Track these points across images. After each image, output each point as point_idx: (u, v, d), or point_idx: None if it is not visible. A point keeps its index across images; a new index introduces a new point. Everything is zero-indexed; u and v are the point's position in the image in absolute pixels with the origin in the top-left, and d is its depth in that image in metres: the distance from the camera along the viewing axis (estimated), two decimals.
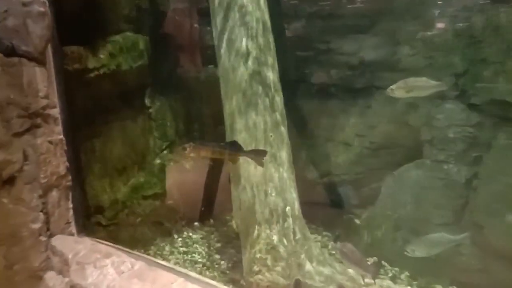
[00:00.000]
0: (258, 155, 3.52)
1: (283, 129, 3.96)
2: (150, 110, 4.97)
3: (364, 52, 4.60)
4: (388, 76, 4.45)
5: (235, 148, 3.43)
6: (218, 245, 4.96)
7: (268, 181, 3.79)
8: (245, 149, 3.57)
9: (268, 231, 3.66)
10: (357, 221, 4.67)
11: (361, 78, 4.71)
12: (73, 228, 3.77)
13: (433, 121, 4.13)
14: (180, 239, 5.08)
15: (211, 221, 5.48)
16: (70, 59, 4.08)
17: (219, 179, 5.49)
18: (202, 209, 5.48)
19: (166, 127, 5.08)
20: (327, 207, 5.11)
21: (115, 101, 4.69)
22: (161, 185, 5.10)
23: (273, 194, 3.75)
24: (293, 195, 3.81)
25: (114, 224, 4.62)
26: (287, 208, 3.74)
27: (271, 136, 3.86)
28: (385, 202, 4.52)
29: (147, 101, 4.95)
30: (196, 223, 5.40)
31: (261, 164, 3.55)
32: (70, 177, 3.65)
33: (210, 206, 5.54)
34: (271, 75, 3.98)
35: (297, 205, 3.80)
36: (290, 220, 3.72)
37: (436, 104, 4.13)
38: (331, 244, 4.84)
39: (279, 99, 3.98)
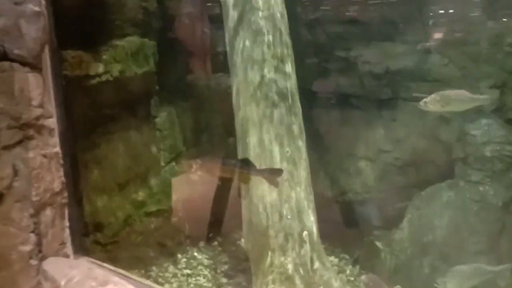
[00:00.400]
0: (272, 174, 3.16)
1: (301, 144, 3.58)
2: (156, 120, 4.62)
3: (389, 60, 4.21)
4: (416, 87, 4.06)
5: (247, 166, 3.07)
6: (226, 267, 4.58)
7: (284, 202, 3.41)
8: (258, 166, 3.20)
9: (282, 259, 3.27)
10: (379, 244, 4.26)
11: (386, 88, 4.31)
12: (68, 249, 3.45)
13: (467, 137, 3.73)
14: (184, 259, 4.70)
15: (219, 240, 5.11)
16: (69, 65, 3.77)
17: (229, 194, 5.13)
18: (209, 227, 5.10)
19: (173, 138, 4.72)
20: (346, 227, 4.71)
21: (118, 110, 4.36)
22: (166, 201, 4.73)
23: (289, 217, 3.37)
24: (311, 218, 3.43)
25: (114, 243, 4.27)
26: (304, 233, 3.35)
27: (287, 151, 3.49)
28: (411, 224, 4.11)
29: (152, 110, 4.61)
30: (201, 243, 5.02)
31: (276, 185, 3.18)
32: (66, 194, 3.33)
33: (218, 224, 5.17)
34: (289, 84, 3.62)
35: (315, 229, 3.41)
36: (307, 246, 3.32)
37: (470, 119, 3.73)
38: (349, 269, 4.44)
39: (297, 111, 3.61)
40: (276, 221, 3.38)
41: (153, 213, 4.60)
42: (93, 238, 4.18)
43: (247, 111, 3.64)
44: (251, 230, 3.53)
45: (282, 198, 3.40)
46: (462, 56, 3.84)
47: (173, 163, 4.73)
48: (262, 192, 3.46)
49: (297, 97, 3.66)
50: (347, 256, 4.62)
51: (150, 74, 4.42)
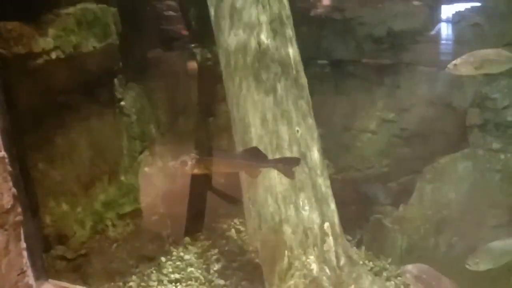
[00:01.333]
0: (288, 164, 2.61)
1: (311, 121, 3.06)
2: (122, 103, 3.85)
3: (392, 21, 3.73)
4: (422, 49, 3.63)
5: (257, 157, 2.50)
6: (219, 265, 4.02)
7: (299, 191, 2.89)
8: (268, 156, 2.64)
9: (303, 258, 2.77)
10: (387, 223, 3.88)
11: (387, 52, 3.85)
12: (30, 278, 2.71)
13: (485, 101, 3.38)
14: (169, 262, 4.08)
15: (205, 233, 4.53)
16: (6, 40, 2.93)
17: (210, 182, 4.55)
18: (192, 220, 4.51)
19: (144, 123, 3.98)
20: (348, 205, 4.28)
21: (75, 95, 3.54)
22: (142, 198, 4.03)
23: (306, 208, 2.86)
24: (331, 206, 2.95)
25: (83, 256, 3.56)
26: (326, 225, 2.87)
27: (297, 131, 2.94)
28: (422, 200, 3.76)
29: (117, 92, 3.83)
30: (186, 239, 4.42)
31: (292, 176, 2.64)
32: (19, 209, 2.56)
33: (201, 216, 4.58)
34: (291, 52, 3.03)
35: (337, 219, 2.94)
36: (330, 240, 2.85)
37: (488, 81, 3.37)
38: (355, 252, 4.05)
39: (303, 82, 3.06)
40: (291, 214, 2.86)
41: (127, 214, 3.90)
42: (57, 253, 3.44)
43: (243, 86, 3.03)
44: (259, 227, 2.98)
45: (296, 186, 2.87)
46: (475, 12, 3.44)
47: (147, 153, 4.02)
48: (270, 181, 2.91)
49: (301, 67, 3.11)
50: (349, 237, 4.21)
51: (112, 49, 3.61)
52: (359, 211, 4.18)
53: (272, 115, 2.94)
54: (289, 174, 2.61)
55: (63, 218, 3.46)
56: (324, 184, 2.96)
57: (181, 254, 4.19)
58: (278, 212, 2.89)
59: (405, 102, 3.85)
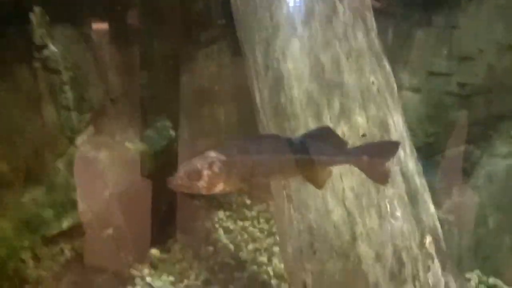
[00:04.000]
0: (380, 155, 1.39)
1: (388, 68, 1.84)
2: (46, 53, 2.32)
3: None
4: None
5: (330, 145, 1.30)
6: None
7: (381, 188, 1.69)
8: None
9: None
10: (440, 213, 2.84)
11: None
12: None
13: None
14: None
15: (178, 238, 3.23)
16: None
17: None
18: (158, 220, 3.14)
19: (82, 84, 2.46)
20: None
21: None
22: (83, 204, 2.57)
23: (398, 214, 1.68)
24: (430, 209, 1.79)
25: None
26: (428, 241, 1.71)
27: (372, 82, 1.72)
28: (491, 181, 2.76)
29: (36, 39, 2.31)
30: (153, 251, 3.08)
31: (384, 178, 1.44)
32: None
33: (170, 211, 3.23)
34: None
35: (439, 229, 1.79)
36: (436, 264, 1.70)
37: None
38: None
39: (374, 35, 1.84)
40: (372, 226, 1.67)
41: (60, 234, 2.43)
42: None
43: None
44: (310, 248, 1.76)
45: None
46: None
47: (89, 131, 2.55)
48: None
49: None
50: None
51: None
52: None
53: (330, 56, 1.68)
54: (381, 175, 1.41)
55: None
56: (416, 171, 1.79)
57: (148, 280, 2.84)
58: (348, 222, 1.69)
59: (466, 47, 2.76)
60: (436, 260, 1.71)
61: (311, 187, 1.45)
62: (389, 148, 1.47)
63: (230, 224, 3.36)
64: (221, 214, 3.44)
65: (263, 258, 2.97)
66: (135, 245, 2.96)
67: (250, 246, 3.10)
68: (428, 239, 1.72)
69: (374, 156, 1.36)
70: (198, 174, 1.18)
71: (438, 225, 1.79)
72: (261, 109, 1.89)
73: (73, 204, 2.51)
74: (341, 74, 1.70)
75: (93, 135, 2.59)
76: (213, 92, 3.02)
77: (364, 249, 1.67)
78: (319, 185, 1.39)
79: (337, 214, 1.70)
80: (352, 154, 1.37)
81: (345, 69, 1.70)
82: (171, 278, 2.89)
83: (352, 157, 1.37)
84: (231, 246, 3.15)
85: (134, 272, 2.86)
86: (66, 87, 2.42)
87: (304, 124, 1.72)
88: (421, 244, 1.70)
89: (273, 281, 2.79)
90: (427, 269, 1.69)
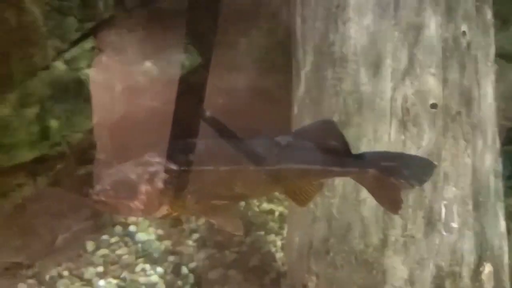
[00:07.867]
0: (402, 173, 0.93)
1: (493, 47, 1.28)
2: None
3: None
4: None
5: (322, 153, 0.96)
6: None
7: (444, 178, 1.20)
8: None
9: None
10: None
11: None
12: None
13: None
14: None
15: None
16: None
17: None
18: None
19: None
20: None
21: None
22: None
23: (454, 225, 1.19)
24: (499, 227, 1.29)
25: None
26: (487, 268, 1.23)
27: (464, 32, 1.16)
28: None
29: None
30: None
31: (397, 208, 1.00)
32: None
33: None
34: None
35: (506, 256, 1.29)
36: None
37: None
38: None
39: None
40: (414, 233, 1.19)
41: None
42: None
43: None
44: (316, 246, 1.31)
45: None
46: None
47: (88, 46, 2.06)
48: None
49: None
50: None
51: None
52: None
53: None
54: (391, 200, 0.97)
55: None
56: (493, 170, 1.27)
57: (131, 228, 2.23)
58: (381, 221, 1.22)
59: None
60: None
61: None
62: (417, 168, 0.98)
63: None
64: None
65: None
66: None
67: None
68: (488, 268, 1.23)
69: (388, 173, 0.94)
70: (131, 190, 0.76)
71: (506, 251, 1.28)
72: (301, 47, 1.38)
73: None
74: (419, 13, 1.15)
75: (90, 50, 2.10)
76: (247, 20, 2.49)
77: (394, 262, 1.21)
78: (301, 203, 0.99)
79: (370, 207, 1.23)
80: (354, 164, 0.95)
81: (426, 5, 1.14)
82: (160, 232, 2.30)
83: (353, 168, 0.96)
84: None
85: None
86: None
87: (352, 75, 1.21)
88: (476, 273, 1.22)
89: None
90: None
